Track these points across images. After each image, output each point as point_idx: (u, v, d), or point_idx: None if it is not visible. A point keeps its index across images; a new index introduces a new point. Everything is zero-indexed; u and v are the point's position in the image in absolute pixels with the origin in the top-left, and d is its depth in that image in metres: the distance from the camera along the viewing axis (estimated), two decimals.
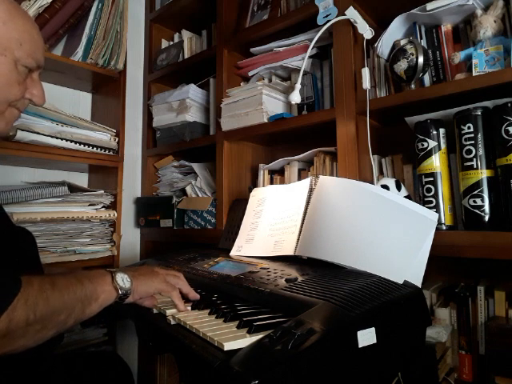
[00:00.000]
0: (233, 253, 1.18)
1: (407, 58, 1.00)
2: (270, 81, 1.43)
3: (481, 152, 0.89)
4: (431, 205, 0.95)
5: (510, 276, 0.97)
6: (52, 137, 1.34)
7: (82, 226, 1.44)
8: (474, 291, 0.95)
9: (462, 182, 0.92)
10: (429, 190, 0.96)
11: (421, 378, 0.84)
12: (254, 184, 1.51)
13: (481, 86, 0.88)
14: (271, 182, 1.42)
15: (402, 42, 1.11)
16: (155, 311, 0.81)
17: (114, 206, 1.55)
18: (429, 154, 0.96)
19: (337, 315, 0.60)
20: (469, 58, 0.95)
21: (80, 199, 1.44)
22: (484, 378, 0.92)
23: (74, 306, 0.66)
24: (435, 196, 0.95)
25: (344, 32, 1.13)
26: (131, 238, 1.79)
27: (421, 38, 1.08)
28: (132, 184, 1.81)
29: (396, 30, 1.13)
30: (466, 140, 0.91)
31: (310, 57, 1.27)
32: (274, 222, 1.11)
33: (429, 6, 1.01)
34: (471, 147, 0.90)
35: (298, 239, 0.98)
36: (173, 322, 0.73)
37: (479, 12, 0.96)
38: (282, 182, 1.38)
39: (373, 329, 0.59)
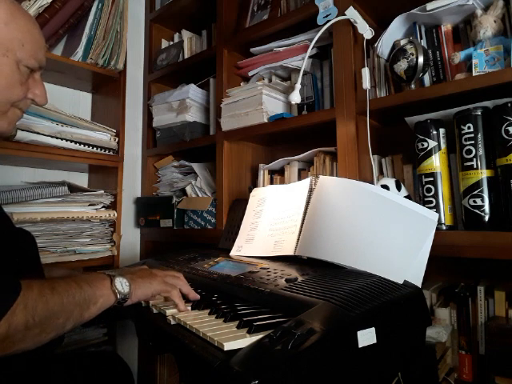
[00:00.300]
0: (233, 253, 1.18)
1: (407, 58, 1.00)
2: (270, 81, 1.43)
3: (481, 152, 0.89)
4: (431, 205, 0.95)
5: (510, 276, 0.97)
6: (52, 137, 1.34)
7: (82, 225, 1.44)
8: (474, 291, 0.95)
9: (462, 182, 0.92)
10: (429, 190, 0.96)
11: (421, 378, 0.84)
12: (254, 184, 1.51)
13: (481, 85, 0.88)
14: (271, 182, 1.42)
15: (402, 42, 1.11)
16: (155, 311, 0.81)
17: (114, 206, 1.55)
18: (429, 154, 0.96)
19: (337, 315, 0.60)
20: (469, 58, 0.95)
21: (80, 199, 1.44)
22: (484, 377, 0.92)
23: (73, 309, 0.67)
24: (435, 196, 0.95)
25: (344, 32, 1.13)
26: (131, 237, 1.79)
27: (421, 38, 1.08)
28: (132, 184, 1.81)
29: (396, 30, 1.13)
30: (466, 140, 0.91)
31: (310, 57, 1.27)
32: (274, 222, 1.11)
33: (429, 6, 1.01)
34: (471, 147, 0.90)
35: (298, 239, 0.98)
36: (173, 322, 0.73)
37: (479, 12, 0.96)
38: (282, 181, 1.38)
39: (373, 329, 0.59)
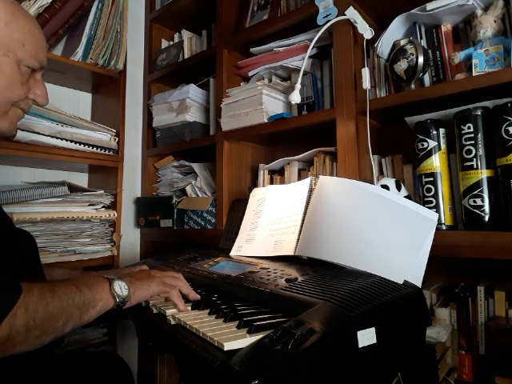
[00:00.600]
0: (233, 253, 1.18)
1: (407, 58, 1.00)
2: (270, 81, 1.43)
3: (481, 152, 0.89)
4: (431, 205, 0.95)
5: (510, 276, 0.97)
6: (52, 137, 1.34)
7: (82, 226, 1.44)
8: (474, 291, 0.95)
9: (462, 182, 0.92)
10: (429, 190, 0.96)
11: (421, 378, 0.84)
12: (254, 184, 1.51)
13: (481, 85, 0.88)
14: (271, 182, 1.42)
15: (402, 42, 1.11)
16: (155, 311, 0.81)
17: (114, 206, 1.55)
18: (429, 154, 0.96)
19: (337, 315, 0.60)
20: (469, 58, 0.95)
21: (80, 199, 1.44)
22: (484, 377, 0.92)
23: (73, 312, 0.67)
24: (435, 196, 0.95)
25: (344, 32, 1.13)
26: (131, 237, 1.79)
27: (421, 38, 1.08)
28: (132, 184, 1.81)
29: (396, 30, 1.13)
30: (466, 140, 0.91)
31: (310, 57, 1.27)
32: (273, 221, 1.11)
33: (429, 6, 1.01)
34: (471, 147, 0.90)
35: (298, 239, 0.98)
36: (173, 322, 0.73)
37: (479, 12, 0.96)
38: (282, 181, 1.38)
39: (373, 329, 0.59)
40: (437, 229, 0.82)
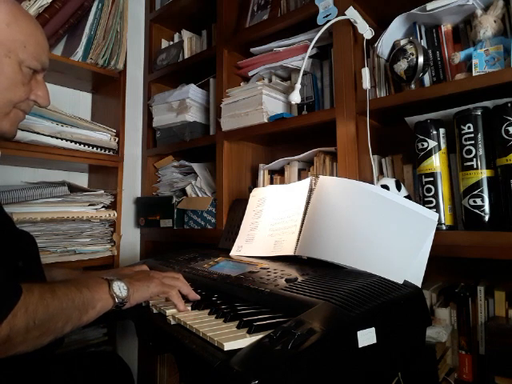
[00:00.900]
0: (233, 253, 1.18)
1: (407, 58, 1.00)
2: (270, 81, 1.43)
3: (481, 152, 0.89)
4: (431, 205, 0.95)
5: (510, 276, 0.97)
6: (52, 137, 1.34)
7: (82, 225, 1.44)
8: (474, 291, 0.95)
9: (462, 182, 0.92)
10: (429, 190, 0.96)
11: (421, 378, 0.84)
12: (254, 184, 1.51)
13: (481, 86, 0.88)
14: (271, 182, 1.42)
15: (402, 42, 1.11)
16: (155, 311, 0.81)
17: (114, 206, 1.55)
18: (429, 154, 0.96)
19: (337, 315, 0.60)
20: (469, 58, 0.95)
21: (80, 199, 1.44)
22: (484, 377, 0.92)
23: (72, 313, 0.68)
24: (435, 196, 0.95)
25: (344, 32, 1.13)
26: (131, 237, 1.79)
27: (421, 38, 1.08)
28: (132, 184, 1.81)
29: (396, 30, 1.13)
30: (466, 140, 0.91)
31: (310, 57, 1.27)
32: (273, 221, 1.11)
33: (429, 6, 1.01)
34: (471, 147, 0.90)
35: (298, 239, 0.98)
36: (173, 322, 0.73)
37: (479, 12, 0.96)
38: (282, 181, 1.38)
39: (373, 329, 0.59)
40: (437, 229, 0.82)
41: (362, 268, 0.79)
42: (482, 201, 0.88)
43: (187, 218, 1.57)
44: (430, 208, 0.94)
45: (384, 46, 1.14)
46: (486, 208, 0.88)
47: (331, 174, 1.22)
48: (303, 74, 1.21)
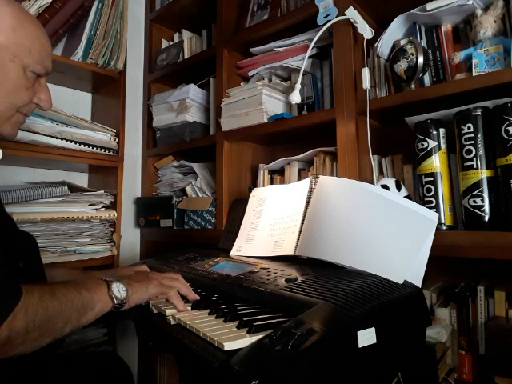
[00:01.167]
0: (233, 253, 1.18)
1: (407, 58, 1.00)
2: (270, 81, 1.43)
3: (481, 152, 0.89)
4: (431, 205, 0.95)
5: (510, 276, 0.97)
6: (52, 137, 1.34)
7: (82, 225, 1.44)
8: (474, 291, 0.95)
9: (462, 182, 0.92)
10: (429, 190, 0.96)
11: (421, 378, 0.84)
12: (254, 184, 1.51)
13: (481, 86, 0.88)
14: (271, 182, 1.42)
15: (402, 42, 1.11)
16: (155, 311, 0.81)
17: (114, 206, 1.55)
18: (429, 154, 0.96)
19: (337, 315, 0.60)
20: (469, 58, 0.95)
21: (80, 199, 1.44)
22: (484, 377, 0.92)
23: (71, 315, 0.68)
24: (435, 196, 0.95)
25: (344, 32, 1.13)
26: (131, 238, 1.79)
27: (421, 38, 1.08)
28: (132, 184, 1.81)
29: (396, 30, 1.13)
30: (466, 140, 0.91)
31: (310, 57, 1.27)
32: (273, 221, 1.11)
33: (429, 6, 1.01)
34: (471, 147, 0.90)
35: (298, 239, 0.98)
36: (173, 322, 0.73)
37: (479, 12, 0.96)
38: (282, 181, 1.38)
39: (373, 329, 0.59)
40: (437, 229, 0.82)
41: (362, 268, 0.79)
42: (482, 201, 0.88)
43: (187, 218, 1.57)
44: (430, 208, 0.94)
45: (384, 46, 1.14)
46: (486, 208, 0.88)
47: (331, 174, 1.22)
48: (303, 74, 1.21)
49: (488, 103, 0.90)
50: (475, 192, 0.89)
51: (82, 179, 1.69)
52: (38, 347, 0.65)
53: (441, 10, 1.00)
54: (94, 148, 1.47)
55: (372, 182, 1.07)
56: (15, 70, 0.76)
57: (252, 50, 1.43)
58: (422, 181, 0.97)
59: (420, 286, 0.76)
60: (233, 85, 1.47)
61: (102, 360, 1.08)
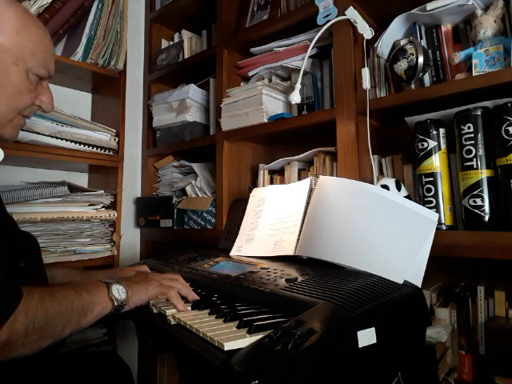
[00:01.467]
0: (233, 253, 1.17)
1: (407, 58, 1.00)
2: (270, 81, 1.43)
3: (481, 152, 0.89)
4: (431, 205, 0.95)
5: (510, 276, 0.97)
6: (52, 137, 1.34)
7: (82, 225, 1.44)
8: (474, 291, 0.95)
9: (462, 182, 0.92)
10: (429, 190, 0.96)
11: (421, 378, 0.84)
12: (254, 184, 1.51)
13: (481, 86, 0.88)
14: (271, 182, 1.42)
15: (402, 42, 1.11)
16: (155, 311, 0.81)
17: (114, 206, 1.55)
18: (429, 154, 0.96)
19: (337, 315, 0.60)
20: (469, 58, 0.95)
21: (80, 199, 1.44)
22: (484, 377, 0.92)
23: (71, 317, 0.68)
24: (435, 196, 0.95)
25: (344, 32, 1.13)
26: (131, 238, 1.79)
27: (421, 38, 1.08)
28: (132, 184, 1.81)
29: (396, 30, 1.13)
30: (466, 140, 0.91)
31: (310, 57, 1.27)
32: (274, 222, 1.11)
33: (429, 6, 1.01)
34: (471, 147, 0.90)
35: (298, 239, 0.98)
36: (173, 322, 0.73)
37: (479, 12, 0.96)
38: (282, 181, 1.38)
39: (373, 329, 0.59)
40: (437, 229, 0.82)
41: (362, 268, 0.79)
42: (482, 201, 0.88)
43: (187, 218, 1.57)
44: (430, 208, 0.94)
45: (384, 46, 1.14)
46: (486, 208, 0.88)
47: (331, 174, 1.22)
48: (303, 74, 1.21)
49: (488, 103, 0.90)
50: (475, 192, 0.89)
51: (81, 179, 1.69)
52: (38, 349, 0.65)
53: (441, 9, 1.00)
54: (94, 148, 1.47)
55: (372, 182, 1.07)
56: (18, 73, 0.76)
57: (252, 50, 1.43)
58: (422, 181, 0.97)
59: (420, 285, 0.76)
60: (233, 85, 1.47)
61: (102, 360, 1.08)
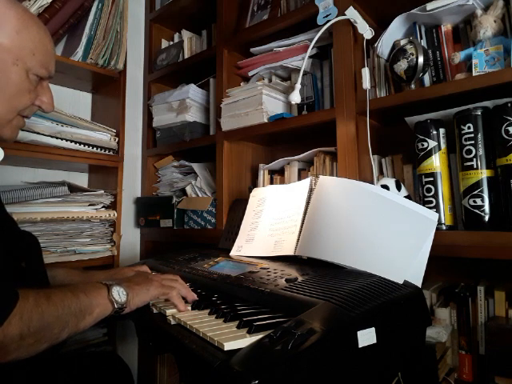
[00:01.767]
0: (233, 253, 1.18)
1: (407, 58, 1.00)
2: (270, 81, 1.43)
3: (481, 152, 0.89)
4: (431, 205, 0.95)
5: (510, 276, 0.97)
6: (52, 137, 1.34)
7: (82, 225, 1.44)
8: (474, 291, 0.95)
9: (462, 182, 0.92)
10: (429, 190, 0.96)
11: (421, 378, 0.84)
12: (254, 184, 1.51)
13: (481, 86, 0.88)
14: (271, 182, 1.42)
15: (402, 42, 1.11)
16: (155, 311, 0.81)
17: (114, 206, 1.55)
18: (429, 154, 0.96)
19: (337, 315, 0.60)
20: (469, 58, 0.95)
21: (80, 199, 1.44)
22: (484, 377, 0.92)
23: (68, 320, 0.67)
24: (435, 196, 0.95)
25: (344, 32, 1.13)
26: (131, 237, 1.79)
27: (421, 38, 1.08)
28: (132, 184, 1.81)
29: (396, 30, 1.13)
30: (466, 140, 0.91)
31: (310, 57, 1.27)
32: (274, 222, 1.11)
33: (429, 6, 1.01)
34: (471, 147, 0.90)
35: (298, 239, 0.98)
36: (173, 322, 0.73)
37: (479, 12, 0.96)
38: (282, 181, 1.38)
39: (373, 329, 0.59)
40: (437, 229, 0.82)
41: (362, 268, 0.79)
42: (482, 201, 0.88)
43: (187, 218, 1.57)
44: (430, 208, 0.94)
45: (384, 46, 1.14)
46: (486, 208, 0.88)
47: (331, 174, 1.22)
48: (303, 74, 1.21)
49: (488, 103, 0.90)
50: (475, 192, 0.89)
51: (81, 179, 1.69)
52: (34, 353, 0.64)
53: (441, 9, 1.00)
54: (94, 148, 1.47)
55: (372, 182, 1.07)
56: (18, 73, 0.75)
57: (252, 50, 1.43)
58: (422, 181, 0.97)
59: (420, 285, 0.76)
60: (233, 85, 1.47)
61: (102, 360, 1.08)
